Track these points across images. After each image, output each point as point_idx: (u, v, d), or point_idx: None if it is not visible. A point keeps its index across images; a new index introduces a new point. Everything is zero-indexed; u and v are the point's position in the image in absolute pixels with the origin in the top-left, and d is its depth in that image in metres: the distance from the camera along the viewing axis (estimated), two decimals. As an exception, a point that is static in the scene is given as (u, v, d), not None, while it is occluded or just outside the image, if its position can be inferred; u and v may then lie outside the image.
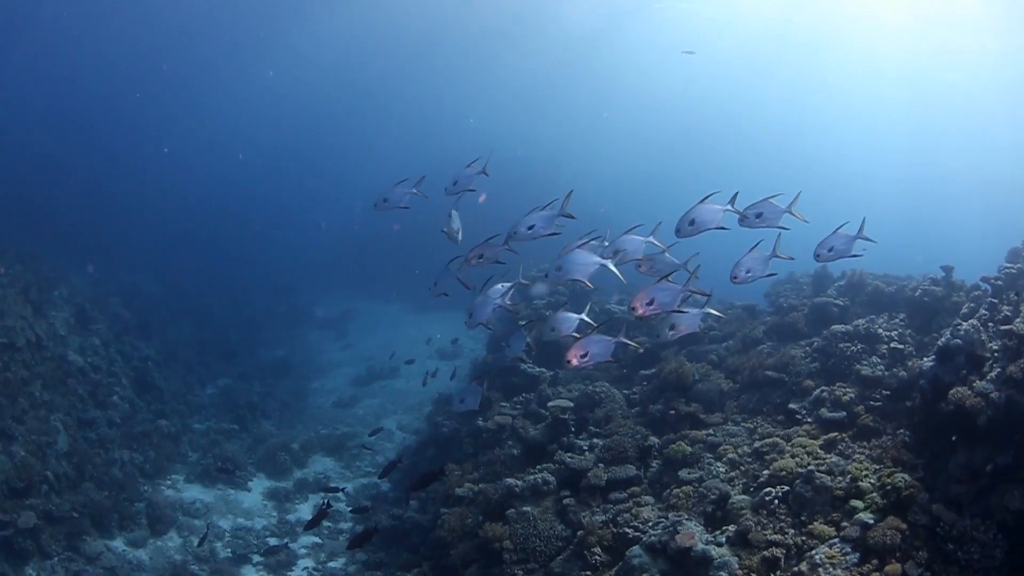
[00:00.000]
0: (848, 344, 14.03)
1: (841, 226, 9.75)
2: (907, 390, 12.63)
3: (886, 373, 13.27)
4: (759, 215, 9.28)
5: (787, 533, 10.53)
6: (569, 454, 13.84)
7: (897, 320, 14.63)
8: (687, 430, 13.81)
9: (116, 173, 54.91)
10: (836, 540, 10.08)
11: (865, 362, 13.62)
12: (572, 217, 9.17)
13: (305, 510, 20.06)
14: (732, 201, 9.12)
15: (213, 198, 58.41)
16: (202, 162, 64.75)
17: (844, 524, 10.29)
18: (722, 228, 9.08)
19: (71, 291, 25.09)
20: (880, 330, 14.16)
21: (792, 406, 13.55)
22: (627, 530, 11.72)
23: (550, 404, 15.43)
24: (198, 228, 50.03)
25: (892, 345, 13.82)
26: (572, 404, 15.31)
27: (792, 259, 9.63)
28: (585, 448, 14.08)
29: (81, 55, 59.60)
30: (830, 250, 9.71)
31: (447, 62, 61.84)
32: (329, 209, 53.21)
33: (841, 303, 15.93)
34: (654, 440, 13.71)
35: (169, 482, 20.53)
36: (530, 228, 9.23)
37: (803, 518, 10.73)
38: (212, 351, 32.21)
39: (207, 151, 66.08)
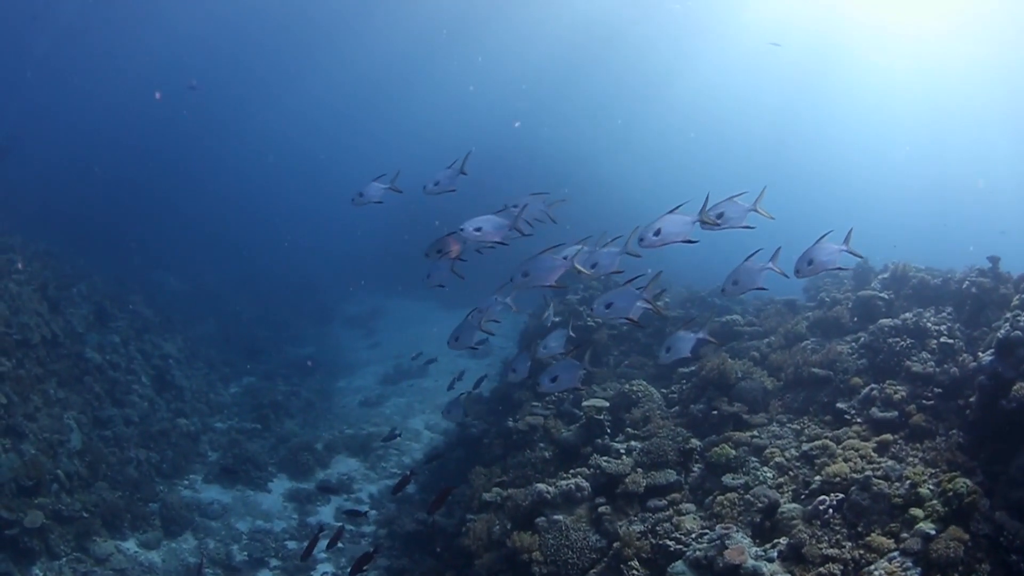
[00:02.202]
0: (896, 339, 13.30)
1: (824, 236, 9.09)
2: (960, 387, 11.98)
3: (937, 369, 12.53)
4: (720, 215, 8.63)
5: (844, 546, 9.76)
6: (605, 457, 13.10)
7: (944, 313, 13.81)
8: (730, 431, 13.04)
9: (139, 171, 54.71)
10: (896, 554, 9.32)
11: (915, 358, 12.89)
12: (526, 234, 9.27)
13: (326, 512, 19.54)
14: (702, 210, 8.49)
15: (239, 195, 58.36)
16: (228, 160, 64.77)
17: (903, 535, 9.55)
18: (690, 242, 8.44)
19: (91, 288, 24.74)
20: (929, 324, 13.39)
21: (840, 405, 12.77)
22: (668, 542, 10.96)
23: (584, 403, 14.65)
24: (224, 225, 49.78)
25: (942, 340, 13.07)
26: (608, 404, 14.58)
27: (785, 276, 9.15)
28: (622, 451, 13.31)
29: (102, 52, 59.61)
30: (810, 263, 9.02)
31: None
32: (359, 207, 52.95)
33: (886, 296, 15.11)
34: (696, 442, 12.94)
35: (187, 482, 20.05)
36: (477, 229, 9.15)
37: (859, 529, 9.97)
38: (236, 349, 31.77)
39: (234, 149, 66.13)
